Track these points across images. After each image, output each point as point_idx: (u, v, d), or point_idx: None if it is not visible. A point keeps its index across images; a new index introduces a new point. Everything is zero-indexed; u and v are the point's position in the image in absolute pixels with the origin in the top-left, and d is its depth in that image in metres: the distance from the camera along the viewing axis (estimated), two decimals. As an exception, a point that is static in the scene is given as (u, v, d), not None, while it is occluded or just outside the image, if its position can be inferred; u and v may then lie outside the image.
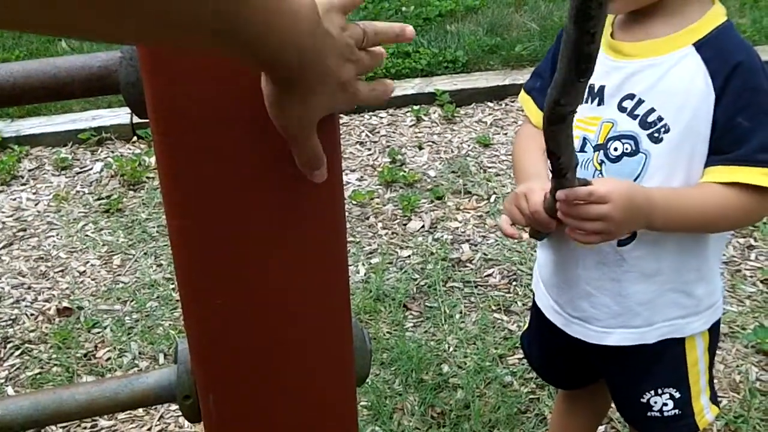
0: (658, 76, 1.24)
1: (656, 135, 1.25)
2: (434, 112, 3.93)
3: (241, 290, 0.85)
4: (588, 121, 1.31)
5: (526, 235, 1.39)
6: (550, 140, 1.03)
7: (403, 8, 5.02)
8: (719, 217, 1.24)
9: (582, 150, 1.31)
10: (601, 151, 1.29)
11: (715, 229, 1.31)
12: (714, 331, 1.42)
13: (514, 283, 2.70)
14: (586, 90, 1.29)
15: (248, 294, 0.86)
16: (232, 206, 0.82)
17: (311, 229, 0.84)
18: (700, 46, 1.23)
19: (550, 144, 1.04)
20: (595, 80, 1.29)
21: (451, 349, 2.43)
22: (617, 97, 1.28)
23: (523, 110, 1.51)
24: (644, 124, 1.25)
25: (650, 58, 1.26)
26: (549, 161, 1.12)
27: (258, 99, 0.74)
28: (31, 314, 2.66)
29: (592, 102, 1.31)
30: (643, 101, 1.25)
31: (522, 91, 1.50)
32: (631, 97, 1.27)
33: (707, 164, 1.24)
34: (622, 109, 1.28)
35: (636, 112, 1.26)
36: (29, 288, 2.79)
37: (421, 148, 3.62)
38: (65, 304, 2.69)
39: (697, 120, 1.22)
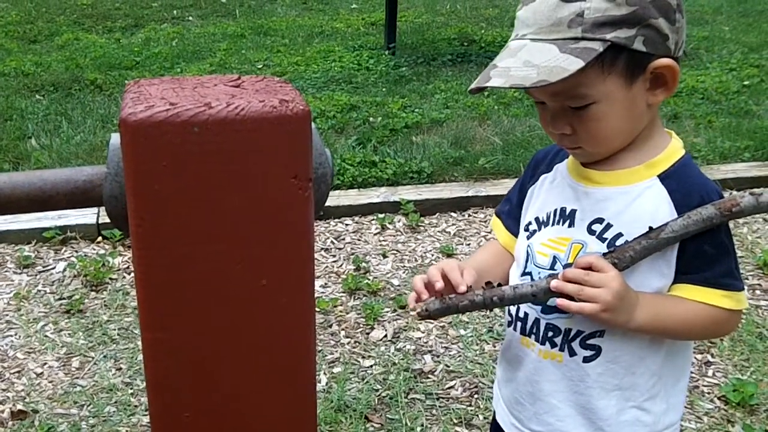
0: (626, 203, 1.33)
1: None
2: (399, 221, 3.99)
3: (210, 404, 0.86)
4: (558, 241, 1.38)
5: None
6: None
7: (371, 119, 5.14)
8: (693, 323, 1.31)
9: (552, 268, 1.38)
10: None
11: (689, 334, 1.39)
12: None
13: (475, 396, 2.70)
14: (558, 212, 1.36)
15: (217, 408, 0.87)
16: (206, 320, 0.83)
17: (282, 340, 0.86)
18: (664, 177, 1.32)
19: None
20: (567, 204, 1.39)
21: (411, 461, 2.41)
22: (587, 220, 1.36)
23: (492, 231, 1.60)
24: (612, 247, 1.31)
25: (618, 187, 1.34)
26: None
27: (235, 220, 0.77)
28: (-17, 417, 2.59)
29: (563, 224, 1.38)
30: (612, 225, 1.33)
31: (494, 215, 1.59)
32: (599, 221, 1.34)
33: (676, 281, 1.32)
34: (591, 231, 1.35)
35: (605, 236, 1.33)
36: (-17, 389, 2.74)
37: (385, 257, 3.66)
38: (20, 406, 2.63)
39: None
